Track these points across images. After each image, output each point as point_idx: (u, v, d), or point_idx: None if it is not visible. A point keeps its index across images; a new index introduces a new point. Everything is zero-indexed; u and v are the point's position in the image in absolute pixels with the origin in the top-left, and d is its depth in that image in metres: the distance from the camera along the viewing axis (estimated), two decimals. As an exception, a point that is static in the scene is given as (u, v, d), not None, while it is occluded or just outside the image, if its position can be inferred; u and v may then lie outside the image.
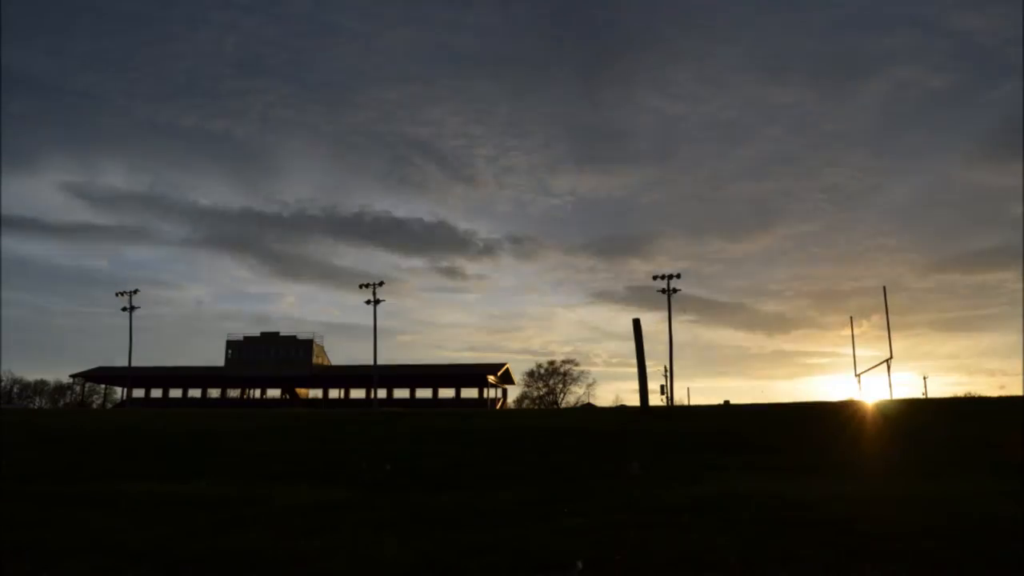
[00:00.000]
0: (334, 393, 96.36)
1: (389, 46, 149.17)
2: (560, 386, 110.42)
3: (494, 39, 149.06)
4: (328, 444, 17.07)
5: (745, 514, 7.08)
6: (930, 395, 65.55)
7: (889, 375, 49.80)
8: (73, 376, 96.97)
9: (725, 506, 7.62)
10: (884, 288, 55.35)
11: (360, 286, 70.03)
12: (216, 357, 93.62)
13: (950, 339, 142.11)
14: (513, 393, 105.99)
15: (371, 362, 69.78)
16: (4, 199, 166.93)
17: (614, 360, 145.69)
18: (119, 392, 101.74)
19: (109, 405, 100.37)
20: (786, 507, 7.44)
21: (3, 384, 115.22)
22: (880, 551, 5.53)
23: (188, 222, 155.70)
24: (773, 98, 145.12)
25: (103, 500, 8.87)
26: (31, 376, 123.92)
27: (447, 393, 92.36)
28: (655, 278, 65.53)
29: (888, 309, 52.67)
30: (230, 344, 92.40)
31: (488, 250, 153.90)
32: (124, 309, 73.81)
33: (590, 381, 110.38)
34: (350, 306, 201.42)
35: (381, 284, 70.25)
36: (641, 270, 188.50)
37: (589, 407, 74.86)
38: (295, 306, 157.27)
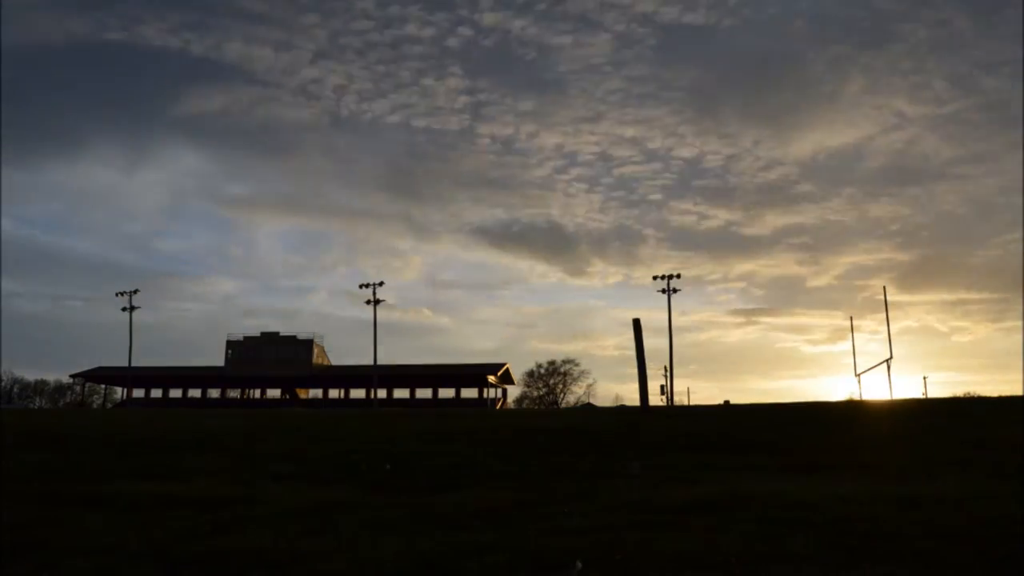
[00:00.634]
0: (334, 393, 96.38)
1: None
2: (560, 386, 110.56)
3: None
4: (328, 444, 17.06)
5: (745, 514, 7.08)
6: (930, 395, 65.57)
7: (889, 375, 49.86)
8: (73, 376, 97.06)
9: (725, 506, 7.62)
10: (884, 288, 55.35)
11: (360, 286, 70.15)
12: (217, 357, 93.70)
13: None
14: (513, 393, 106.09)
15: (375, 362, 69.80)
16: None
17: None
18: (119, 392, 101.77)
19: (109, 405, 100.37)
20: (786, 507, 7.44)
21: (3, 384, 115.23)
22: (880, 551, 5.53)
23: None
24: None
25: (103, 500, 8.86)
26: (31, 376, 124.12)
27: (447, 393, 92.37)
28: (655, 278, 65.66)
29: (888, 309, 52.69)
30: (230, 344, 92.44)
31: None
32: (124, 309, 73.87)
33: (590, 381, 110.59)
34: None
35: (381, 284, 70.32)
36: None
37: (589, 407, 74.88)
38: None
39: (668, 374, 63.85)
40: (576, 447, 15.32)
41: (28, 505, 8.63)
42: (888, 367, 50.90)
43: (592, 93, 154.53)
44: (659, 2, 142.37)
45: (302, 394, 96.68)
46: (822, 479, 9.58)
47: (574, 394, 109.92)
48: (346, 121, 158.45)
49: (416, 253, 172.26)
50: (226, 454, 14.98)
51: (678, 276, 65.06)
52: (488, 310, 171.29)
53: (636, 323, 29.66)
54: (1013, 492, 8.20)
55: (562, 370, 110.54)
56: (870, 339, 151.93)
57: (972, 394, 59.91)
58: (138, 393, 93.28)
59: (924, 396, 59.38)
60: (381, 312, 79.46)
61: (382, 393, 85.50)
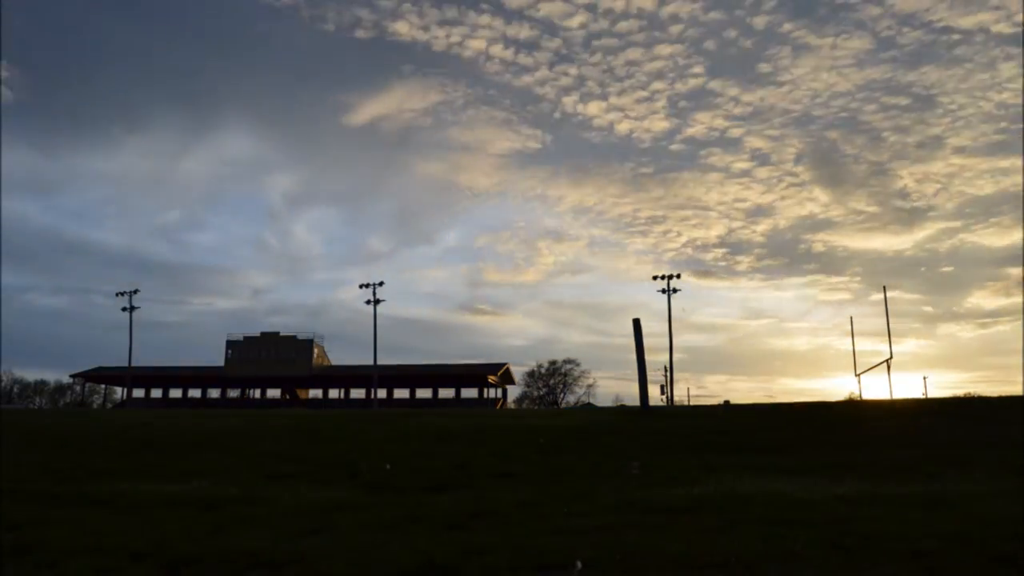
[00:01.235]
0: (334, 393, 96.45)
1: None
2: (560, 386, 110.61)
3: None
4: (328, 444, 17.07)
5: (745, 514, 7.08)
6: (930, 395, 65.57)
7: (889, 375, 49.86)
8: (73, 376, 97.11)
9: (725, 506, 7.62)
10: (884, 288, 55.35)
11: (360, 286, 70.14)
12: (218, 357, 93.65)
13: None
14: (513, 393, 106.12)
15: (375, 362, 69.79)
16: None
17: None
18: (119, 392, 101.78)
19: (109, 405, 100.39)
20: (786, 507, 7.44)
21: (3, 384, 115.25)
22: (880, 551, 5.53)
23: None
24: None
25: (103, 500, 8.86)
26: (31, 376, 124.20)
27: (447, 393, 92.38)
28: (655, 278, 65.64)
29: (888, 309, 52.70)
30: (230, 344, 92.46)
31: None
32: (124, 309, 73.87)
33: (590, 381, 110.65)
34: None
35: (381, 284, 70.30)
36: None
37: (589, 407, 74.89)
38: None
39: (668, 374, 63.95)
40: (576, 447, 15.32)
41: (28, 505, 8.64)
42: (888, 367, 50.89)
43: None
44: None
45: (302, 394, 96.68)
46: (822, 479, 9.58)
47: (574, 394, 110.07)
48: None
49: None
50: (226, 454, 14.98)
51: (678, 276, 65.11)
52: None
53: (636, 323, 29.66)
54: (1013, 492, 8.20)
55: (562, 370, 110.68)
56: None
57: (972, 394, 59.90)
58: (138, 393, 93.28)
59: (924, 396, 59.40)
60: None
61: (382, 393, 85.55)
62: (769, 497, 8.05)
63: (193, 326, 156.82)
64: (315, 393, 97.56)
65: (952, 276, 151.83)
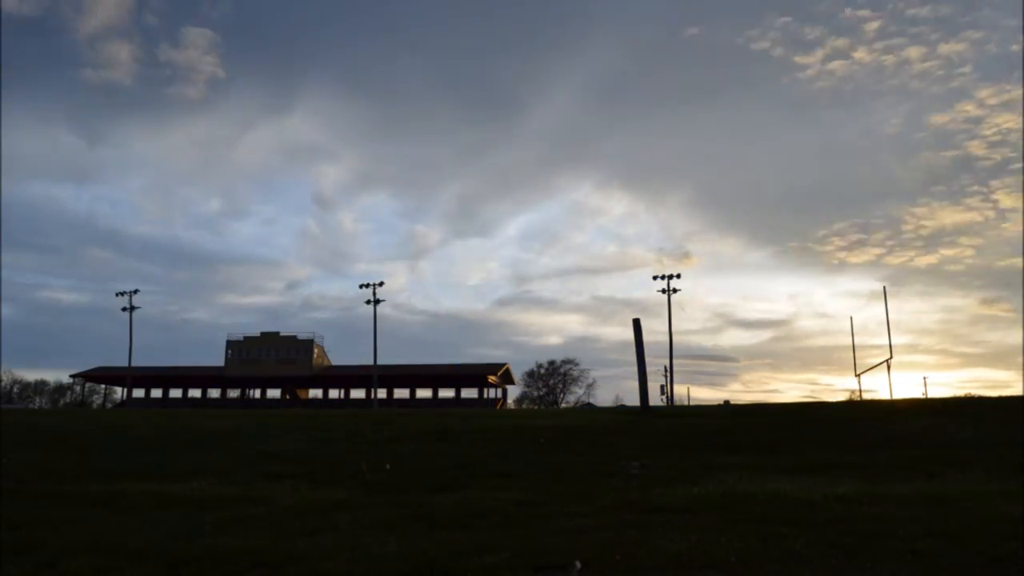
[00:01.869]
0: (334, 393, 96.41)
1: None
2: (560, 386, 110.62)
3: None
4: (328, 444, 17.07)
5: (745, 514, 7.08)
6: (930, 395, 65.58)
7: (889, 375, 49.87)
8: (73, 376, 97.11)
9: (725, 506, 7.62)
10: (884, 288, 55.37)
11: (360, 286, 70.12)
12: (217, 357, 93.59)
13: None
14: (513, 393, 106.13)
15: (375, 362, 69.77)
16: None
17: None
18: (119, 392, 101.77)
19: (109, 405, 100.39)
20: (786, 507, 7.44)
21: (3, 384, 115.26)
22: (880, 551, 5.53)
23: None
24: None
25: (103, 500, 8.87)
26: (31, 376, 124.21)
27: (447, 393, 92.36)
28: (655, 278, 65.62)
29: (888, 310, 52.72)
30: (230, 344, 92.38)
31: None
32: (124, 309, 73.85)
33: (590, 381, 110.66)
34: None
35: (381, 284, 70.32)
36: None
37: (589, 407, 74.91)
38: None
39: (668, 374, 63.90)
40: (576, 447, 15.32)
41: (28, 505, 8.64)
42: (888, 367, 50.90)
43: None
44: None
45: (302, 394, 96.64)
46: (822, 479, 9.58)
47: (574, 394, 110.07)
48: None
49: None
50: (226, 454, 14.98)
51: (678, 276, 65.08)
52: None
53: (636, 323, 29.66)
54: (1013, 492, 8.20)
55: (562, 370, 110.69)
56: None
57: (972, 394, 59.94)
58: (138, 393, 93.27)
59: (924, 396, 59.39)
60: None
61: (382, 393, 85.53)
62: (769, 497, 8.06)
63: (215, 328, 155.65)
64: (315, 393, 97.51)
65: None
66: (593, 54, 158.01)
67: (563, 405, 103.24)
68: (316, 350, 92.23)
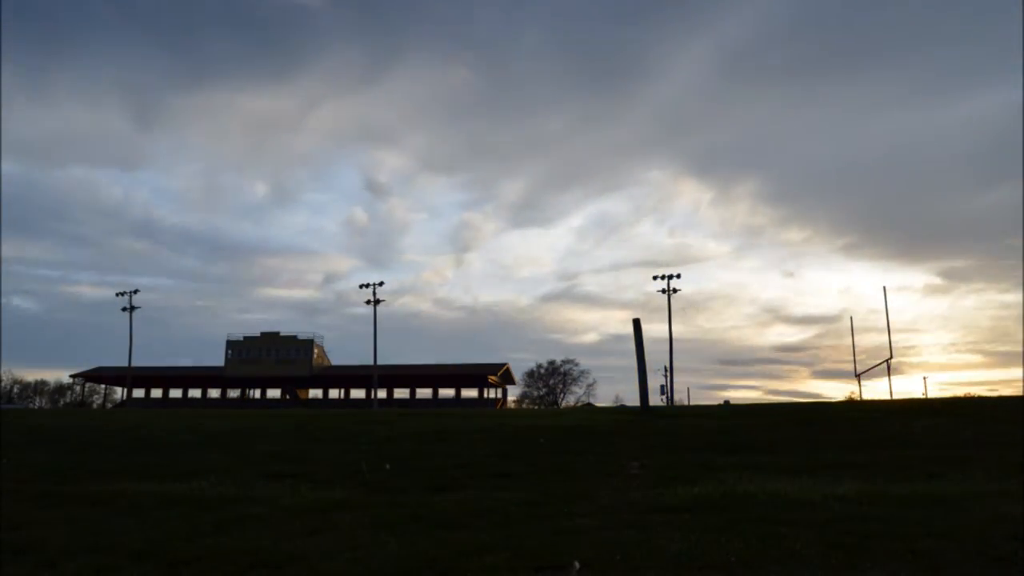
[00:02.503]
0: (334, 393, 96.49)
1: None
2: (560, 386, 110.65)
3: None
4: (328, 444, 17.06)
5: (745, 514, 7.08)
6: (930, 395, 65.57)
7: (889, 375, 49.89)
8: (73, 376, 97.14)
9: (725, 506, 7.62)
10: (884, 288, 55.38)
11: (360, 286, 70.13)
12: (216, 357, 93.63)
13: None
14: (513, 393, 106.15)
15: (375, 362, 69.78)
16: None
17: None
18: (119, 392, 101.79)
19: (109, 405, 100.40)
20: (786, 507, 7.44)
21: (3, 384, 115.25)
22: (880, 551, 5.53)
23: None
24: None
25: (103, 500, 8.86)
26: (30, 376, 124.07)
27: (447, 393, 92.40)
28: (655, 278, 65.63)
29: (888, 310, 52.75)
30: (230, 344, 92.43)
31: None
32: (124, 309, 73.86)
33: (590, 381, 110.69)
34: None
35: (381, 284, 70.36)
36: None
37: (589, 407, 74.90)
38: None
39: (668, 374, 63.92)
40: (576, 447, 15.32)
41: (28, 505, 8.64)
42: (888, 367, 50.91)
43: None
44: None
45: (302, 394, 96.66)
46: (822, 479, 9.58)
47: (574, 394, 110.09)
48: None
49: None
50: (226, 454, 14.97)
51: (678, 276, 65.10)
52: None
53: (636, 323, 29.65)
54: (1013, 492, 8.20)
55: (562, 370, 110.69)
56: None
57: (972, 395, 59.93)
58: (138, 393, 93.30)
59: (924, 396, 59.38)
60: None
61: (382, 393, 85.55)
62: (769, 497, 8.05)
63: (244, 325, 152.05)
64: (315, 393, 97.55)
65: None
66: (721, 29, 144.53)
67: (563, 405, 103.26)
68: (316, 350, 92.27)
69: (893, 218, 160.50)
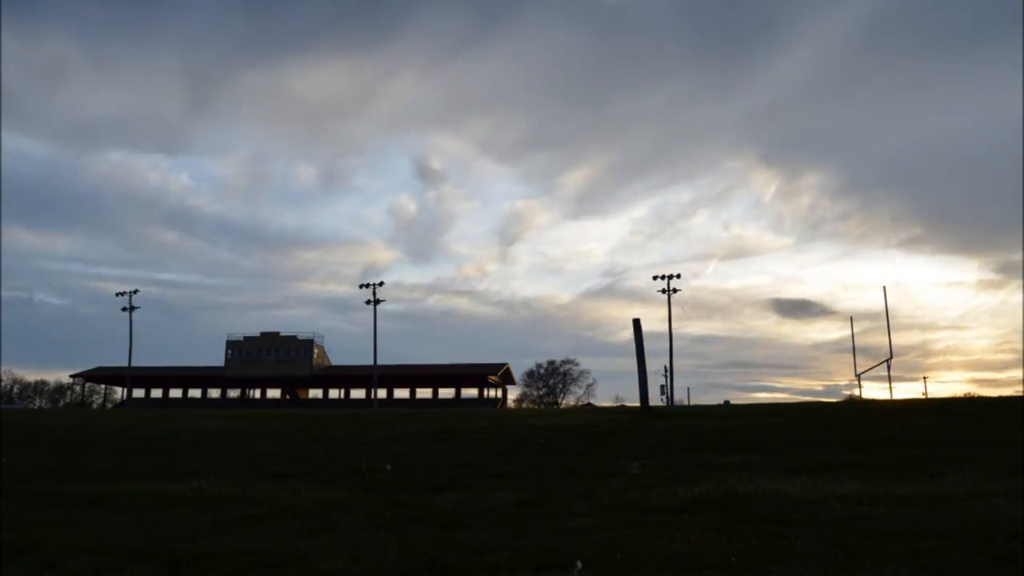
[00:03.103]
0: (334, 393, 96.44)
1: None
2: (560, 386, 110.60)
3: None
4: (328, 444, 17.06)
5: (745, 514, 7.08)
6: (930, 395, 65.60)
7: (889, 375, 49.89)
8: (73, 376, 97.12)
9: (725, 506, 7.62)
10: (884, 288, 55.41)
11: (360, 286, 70.07)
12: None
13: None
14: (513, 393, 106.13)
15: (375, 362, 69.77)
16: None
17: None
18: (119, 392, 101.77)
19: (109, 405, 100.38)
20: (786, 507, 7.44)
21: (3, 384, 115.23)
22: (880, 551, 5.53)
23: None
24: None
25: (103, 500, 8.86)
26: (31, 376, 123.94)
27: (447, 393, 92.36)
28: (655, 278, 65.59)
29: (888, 310, 52.74)
30: (230, 344, 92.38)
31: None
32: (124, 309, 73.84)
33: (590, 381, 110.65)
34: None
35: (381, 284, 70.33)
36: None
37: (589, 407, 74.90)
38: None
39: (668, 374, 63.89)
40: (576, 447, 15.31)
41: (28, 505, 8.64)
42: (888, 367, 50.92)
43: None
44: None
45: (302, 394, 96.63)
46: (822, 479, 9.58)
47: (574, 394, 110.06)
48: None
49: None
50: (226, 454, 14.97)
51: (678, 276, 65.07)
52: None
53: (636, 323, 29.65)
54: (1013, 492, 8.20)
55: (562, 370, 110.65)
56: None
57: (972, 394, 59.96)
58: (138, 393, 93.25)
59: (924, 396, 59.40)
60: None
61: (382, 393, 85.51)
62: (769, 497, 8.05)
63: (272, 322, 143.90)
64: (315, 393, 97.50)
65: None
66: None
67: (563, 405, 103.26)
68: (316, 350, 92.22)
69: (960, 212, 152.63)
